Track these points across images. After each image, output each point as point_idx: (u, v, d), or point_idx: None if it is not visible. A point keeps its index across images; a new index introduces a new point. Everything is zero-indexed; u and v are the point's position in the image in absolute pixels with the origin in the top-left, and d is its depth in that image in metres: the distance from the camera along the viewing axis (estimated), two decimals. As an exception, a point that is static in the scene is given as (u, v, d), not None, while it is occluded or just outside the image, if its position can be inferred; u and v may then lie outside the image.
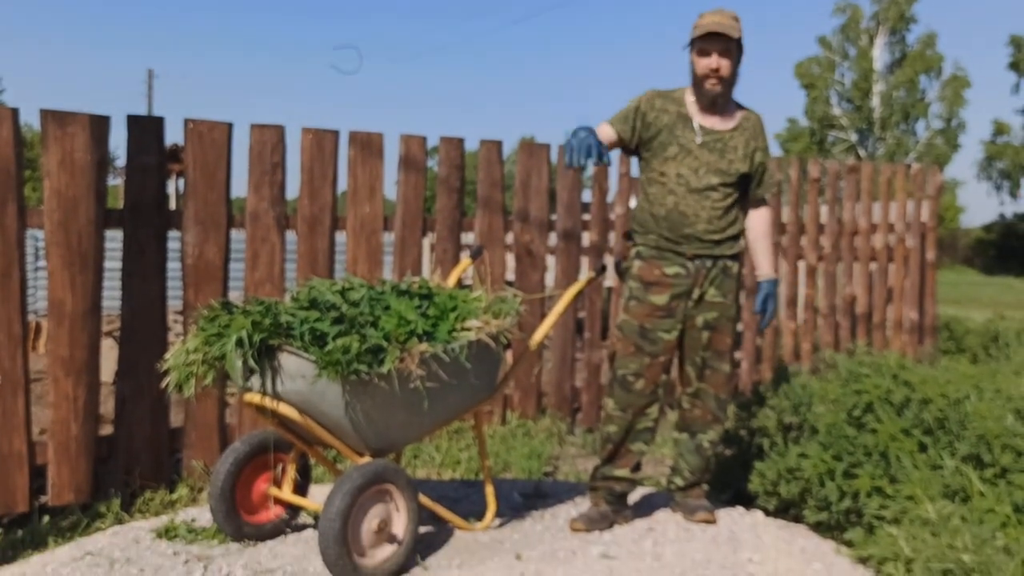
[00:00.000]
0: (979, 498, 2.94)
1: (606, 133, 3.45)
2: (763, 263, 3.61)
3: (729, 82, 3.39)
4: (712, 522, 3.51)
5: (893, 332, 7.40)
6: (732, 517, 3.62)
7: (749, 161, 3.47)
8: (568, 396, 5.69)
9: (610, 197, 6.06)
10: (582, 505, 3.76)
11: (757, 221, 3.59)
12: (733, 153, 3.43)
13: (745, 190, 3.54)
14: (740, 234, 3.52)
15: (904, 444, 3.34)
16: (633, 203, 5.86)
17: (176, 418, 4.37)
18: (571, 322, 5.67)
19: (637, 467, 3.56)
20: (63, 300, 3.87)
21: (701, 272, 3.40)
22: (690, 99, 3.46)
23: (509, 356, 4.75)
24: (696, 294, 3.41)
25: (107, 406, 4.44)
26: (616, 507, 3.55)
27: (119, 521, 3.76)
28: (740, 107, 3.54)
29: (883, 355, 4.14)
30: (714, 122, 3.44)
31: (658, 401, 3.47)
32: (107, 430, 4.20)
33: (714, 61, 3.30)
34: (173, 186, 13.87)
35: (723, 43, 3.30)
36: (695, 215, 3.37)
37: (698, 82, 3.37)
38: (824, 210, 7.02)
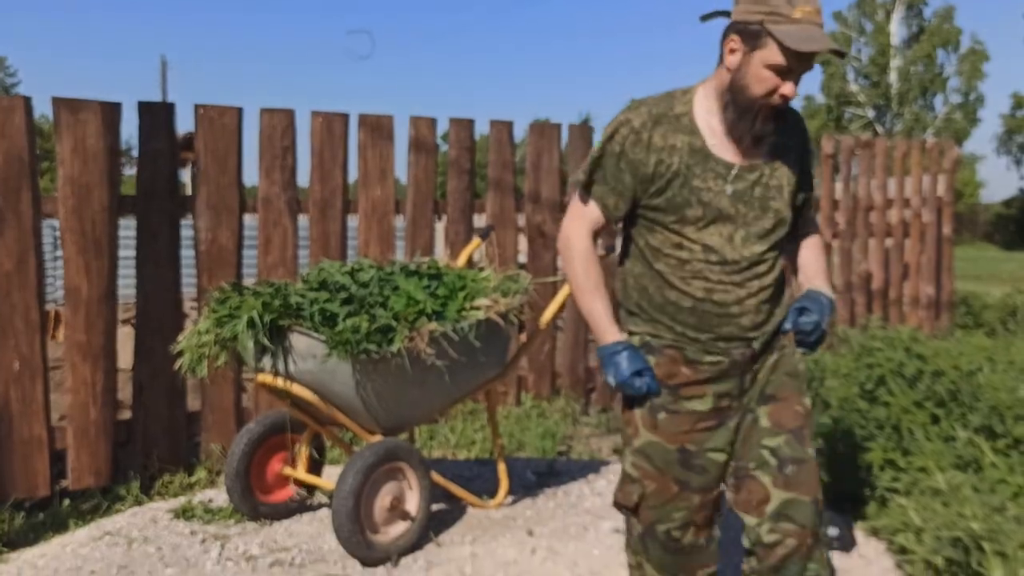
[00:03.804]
0: (991, 469, 2.94)
1: (594, 218, 2.25)
2: (814, 280, 2.35)
3: None
4: None
5: (909, 308, 7.36)
6: (745, 492, 3.63)
7: (795, 189, 2.24)
8: (582, 377, 5.70)
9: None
10: (595, 483, 3.79)
11: (807, 254, 2.39)
12: (778, 194, 2.19)
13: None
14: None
15: (916, 417, 3.34)
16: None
17: (193, 402, 4.42)
18: (584, 302, 5.67)
19: None
20: (79, 286, 3.91)
21: (746, 356, 2.21)
22: (702, 114, 2.17)
23: (524, 336, 4.77)
24: (748, 380, 2.24)
25: (126, 392, 4.49)
26: None
27: (138, 503, 3.81)
28: None
29: (896, 329, 4.13)
30: (747, 149, 2.15)
31: (715, 555, 2.33)
32: (126, 415, 4.25)
33: (791, 88, 2.06)
34: (189, 174, 13.98)
35: (814, 60, 2.08)
36: (738, 304, 2.17)
37: (745, 102, 2.08)
38: (838, 186, 6.99)
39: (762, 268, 2.18)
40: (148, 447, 4.15)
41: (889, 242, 7.23)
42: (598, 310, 2.23)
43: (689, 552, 2.26)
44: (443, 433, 4.79)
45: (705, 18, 2.18)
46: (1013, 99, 40.29)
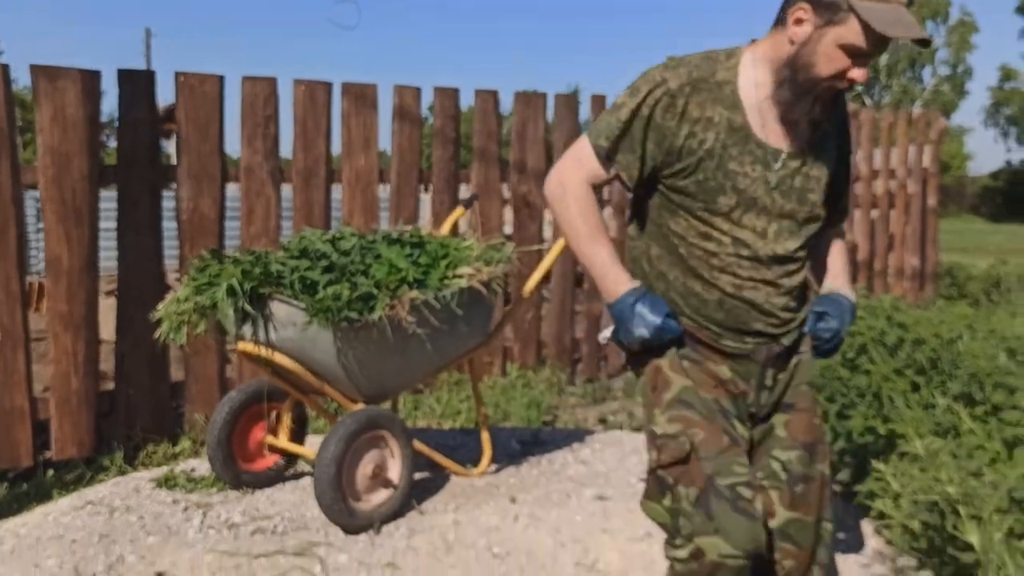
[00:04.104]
0: (969, 435, 2.96)
1: (596, 171, 1.98)
2: (836, 280, 2.20)
3: None
4: None
5: (894, 279, 7.39)
6: (727, 460, 3.65)
7: (832, 180, 2.06)
8: (568, 347, 5.72)
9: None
10: (579, 451, 3.80)
11: (830, 252, 2.24)
12: (817, 185, 2.00)
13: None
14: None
15: (897, 384, 3.36)
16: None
17: (177, 373, 4.41)
18: (570, 274, 5.68)
19: None
20: (60, 256, 3.89)
21: (772, 351, 2.04)
22: (747, 86, 1.92)
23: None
24: (769, 376, 2.05)
25: (110, 364, 4.48)
26: None
27: (122, 473, 3.81)
28: None
29: (878, 298, 4.15)
30: (794, 132, 1.94)
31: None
32: (110, 386, 4.25)
33: (862, 72, 1.83)
34: (174, 146, 13.87)
35: (887, 44, 1.86)
36: (767, 303, 1.99)
37: (807, 81, 1.85)
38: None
39: (793, 266, 2.00)
40: (131, 417, 4.15)
41: (874, 213, 7.24)
42: (603, 257, 1.97)
43: (757, 514, 1.88)
44: (428, 403, 4.80)
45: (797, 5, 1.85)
46: (1001, 71, 40.33)
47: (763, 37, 1.94)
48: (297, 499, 3.16)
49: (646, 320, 1.92)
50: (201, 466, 3.51)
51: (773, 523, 1.99)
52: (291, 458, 3.36)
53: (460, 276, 3.05)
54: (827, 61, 1.81)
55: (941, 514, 2.47)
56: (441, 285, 2.98)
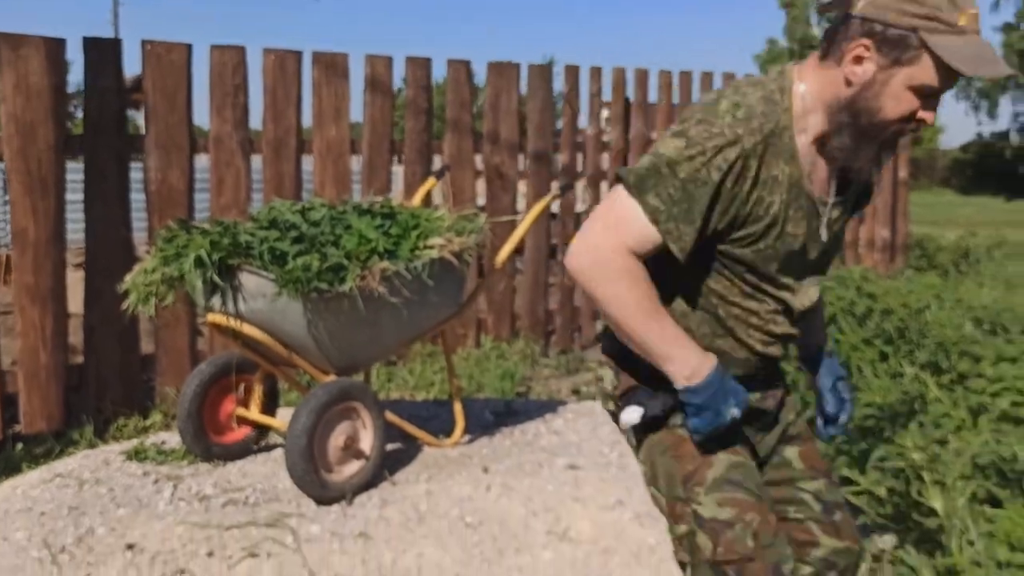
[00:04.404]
0: (935, 403, 3.00)
1: (643, 237, 1.65)
2: (822, 331, 2.12)
3: None
4: None
5: (865, 250, 7.46)
6: (698, 429, 3.67)
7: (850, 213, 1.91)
8: (542, 319, 5.74)
9: (582, 120, 6.03)
10: (552, 422, 3.81)
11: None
12: (846, 227, 1.89)
13: None
14: None
15: (865, 354, 3.40)
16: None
17: (147, 346, 4.38)
18: (544, 245, 5.68)
19: None
20: (26, 228, 3.84)
21: (777, 396, 1.97)
22: (799, 131, 1.67)
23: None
24: (768, 420, 1.98)
25: (78, 337, 4.44)
26: None
27: (92, 447, 3.79)
28: None
29: (848, 269, 4.19)
30: (836, 177, 1.76)
31: None
32: (79, 360, 4.21)
33: (932, 115, 1.62)
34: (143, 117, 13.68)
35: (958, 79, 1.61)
36: (780, 355, 1.89)
37: (873, 127, 1.62)
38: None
39: (812, 315, 1.85)
40: (101, 391, 4.12)
41: (846, 185, 7.30)
42: (672, 334, 1.70)
43: None
44: (401, 375, 4.80)
45: (825, 8, 1.65)
46: (974, 45, 40.50)
47: (807, 65, 1.70)
48: (269, 471, 3.14)
49: (738, 397, 1.71)
50: (172, 439, 3.48)
51: (818, 553, 1.85)
52: (262, 430, 3.35)
53: (431, 247, 3.03)
54: (895, 104, 1.58)
55: (906, 481, 2.51)
56: (412, 256, 2.96)
